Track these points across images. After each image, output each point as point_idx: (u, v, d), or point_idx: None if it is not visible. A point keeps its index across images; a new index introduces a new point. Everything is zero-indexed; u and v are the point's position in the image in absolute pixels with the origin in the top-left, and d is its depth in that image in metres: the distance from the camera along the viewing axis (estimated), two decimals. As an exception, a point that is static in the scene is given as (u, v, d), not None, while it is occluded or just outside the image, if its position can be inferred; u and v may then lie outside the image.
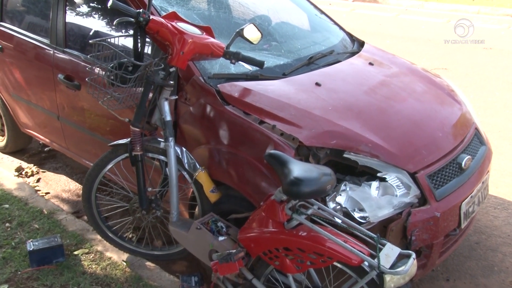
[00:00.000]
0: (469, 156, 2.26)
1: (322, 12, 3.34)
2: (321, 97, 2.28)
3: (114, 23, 2.03)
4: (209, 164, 2.19)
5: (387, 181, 2.02)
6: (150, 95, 2.14)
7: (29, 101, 3.28)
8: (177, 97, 2.24)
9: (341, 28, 3.25)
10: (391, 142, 2.11)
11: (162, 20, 2.02)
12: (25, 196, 3.03)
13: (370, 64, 2.73)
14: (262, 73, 2.37)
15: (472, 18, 9.22)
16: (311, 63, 2.59)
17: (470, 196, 2.21)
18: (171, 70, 2.07)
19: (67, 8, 2.88)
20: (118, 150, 2.26)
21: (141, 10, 1.96)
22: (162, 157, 2.21)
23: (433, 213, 2.02)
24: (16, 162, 3.75)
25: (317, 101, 2.25)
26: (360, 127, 2.13)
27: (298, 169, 1.69)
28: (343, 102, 2.29)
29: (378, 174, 2.01)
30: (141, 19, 1.95)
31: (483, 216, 3.12)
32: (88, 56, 2.12)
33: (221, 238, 2.01)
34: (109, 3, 1.91)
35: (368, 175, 2.07)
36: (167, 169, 2.15)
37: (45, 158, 3.85)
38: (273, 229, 1.80)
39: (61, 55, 2.88)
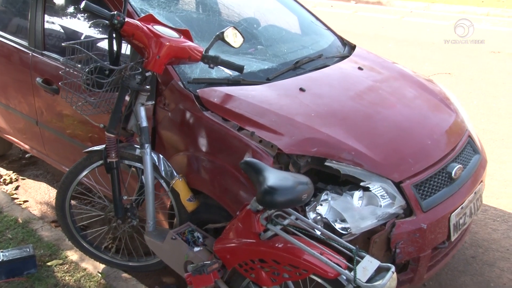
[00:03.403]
0: (460, 165, 2.28)
1: (314, 15, 3.38)
2: (304, 103, 2.31)
3: (88, 25, 2.06)
4: (187, 172, 2.22)
5: (370, 190, 2.04)
6: (128, 99, 2.17)
7: (7, 105, 3.32)
8: (153, 102, 2.27)
9: (332, 31, 3.28)
10: (375, 150, 2.13)
11: (138, 22, 2.05)
12: (0, 204, 3.06)
13: (359, 68, 2.76)
14: (245, 78, 2.40)
15: (481, 20, 9.29)
16: (297, 67, 2.62)
17: (460, 207, 2.22)
18: (147, 74, 2.10)
19: (46, 9, 2.92)
20: (93, 156, 2.29)
21: (115, 13, 1.99)
22: (138, 164, 2.24)
23: (419, 224, 2.04)
24: (-5, 169, 3.80)
25: (300, 107, 2.28)
26: (343, 134, 2.15)
27: (273, 177, 1.71)
28: (327, 108, 2.32)
29: (362, 184, 2.04)
30: (115, 21, 1.98)
31: (481, 228, 3.13)
32: (61, 60, 2.16)
33: (196, 249, 2.02)
34: (82, 5, 1.95)
35: (352, 184, 2.09)
36: (143, 176, 2.18)
37: (25, 165, 3.88)
38: (248, 240, 1.82)
39: (40, 58, 2.92)
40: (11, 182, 3.61)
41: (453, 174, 2.24)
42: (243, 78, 2.39)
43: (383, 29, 8.52)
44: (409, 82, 2.79)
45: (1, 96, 3.35)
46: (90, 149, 2.30)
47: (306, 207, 1.99)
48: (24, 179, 3.68)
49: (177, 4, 2.76)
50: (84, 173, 2.34)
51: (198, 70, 2.40)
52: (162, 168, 2.17)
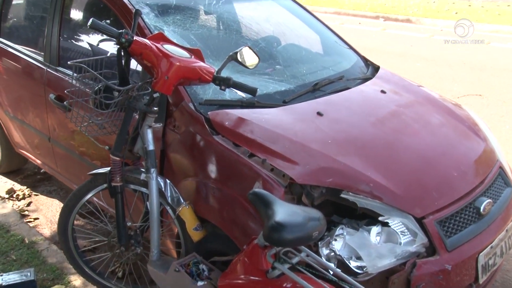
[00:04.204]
0: (489, 200, 2.11)
1: (336, 35, 3.26)
2: (321, 129, 2.19)
3: (96, 43, 2.00)
4: (195, 199, 2.11)
5: (390, 226, 1.89)
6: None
7: (22, 120, 3.30)
8: (161, 125, 2.18)
9: (355, 51, 3.16)
10: (396, 182, 1.99)
11: (147, 41, 1.97)
12: (8, 222, 3.01)
13: (382, 91, 2.62)
14: (260, 100, 2.30)
15: (515, 40, 9.01)
16: (316, 89, 2.50)
17: (490, 247, 2.05)
18: (155, 95, 2.01)
19: (63, 25, 2.89)
20: (97, 179, 2.21)
21: (123, 31, 1.92)
22: (144, 189, 2.14)
23: (443, 265, 1.88)
24: (9, 184, 3.77)
25: (316, 132, 2.16)
26: (361, 164, 2.01)
27: (281, 212, 1.58)
28: (345, 135, 2.19)
29: (380, 218, 1.89)
30: (123, 40, 1.90)
31: (514, 266, 2.93)
32: (67, 78, 2.09)
33: (200, 283, 1.90)
34: (89, 23, 1.88)
35: (370, 218, 1.95)
36: (148, 202, 2.08)
37: (40, 180, 3.85)
38: (254, 278, 1.70)
39: (54, 74, 2.88)
40: (24, 198, 3.58)
41: (481, 210, 2.07)
42: (257, 100, 2.28)
43: (412, 48, 8.32)
44: (435, 107, 2.63)
45: (16, 111, 3.34)
46: (95, 171, 2.22)
47: (319, 242, 1.86)
48: (37, 195, 3.64)
49: (193, 22, 2.68)
50: (88, 196, 2.26)
51: (210, 91, 2.30)
52: (169, 194, 2.07)
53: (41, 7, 3.16)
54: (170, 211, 2.12)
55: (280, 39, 3.10)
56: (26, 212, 3.36)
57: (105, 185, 2.17)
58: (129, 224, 2.20)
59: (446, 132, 2.43)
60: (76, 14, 2.94)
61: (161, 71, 1.94)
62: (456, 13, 11.24)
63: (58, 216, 2.31)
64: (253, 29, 3.04)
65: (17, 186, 3.73)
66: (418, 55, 7.79)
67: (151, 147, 2.04)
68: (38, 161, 3.40)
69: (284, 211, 1.60)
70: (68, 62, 2.02)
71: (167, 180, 2.11)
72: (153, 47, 1.95)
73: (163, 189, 2.07)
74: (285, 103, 2.35)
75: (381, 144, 2.19)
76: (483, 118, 2.79)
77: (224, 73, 2.37)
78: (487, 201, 2.09)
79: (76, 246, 2.38)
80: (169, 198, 2.07)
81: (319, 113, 2.27)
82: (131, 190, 2.21)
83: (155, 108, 2.04)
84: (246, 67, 2.20)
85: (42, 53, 2.99)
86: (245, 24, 3.05)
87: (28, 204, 3.49)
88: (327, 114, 2.29)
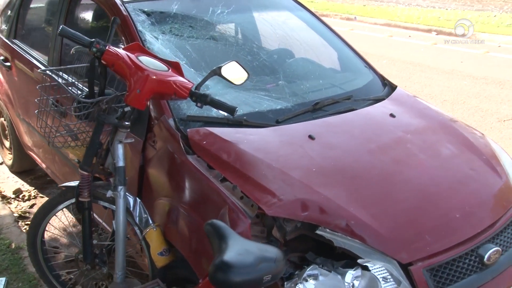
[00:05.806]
0: (497, 248, 1.85)
1: (355, 51, 3.04)
2: (309, 154, 2.01)
3: (71, 51, 1.93)
4: (165, 221, 1.98)
5: (370, 270, 1.69)
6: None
7: (29, 122, 3.30)
8: (133, 140, 2.07)
9: (373, 69, 2.93)
10: (383, 221, 1.78)
11: (120, 51, 1.87)
12: (1, 225, 3.00)
13: (391, 115, 2.39)
14: (249, 118, 2.15)
15: None
16: (316, 109, 2.32)
17: (493, 304, 1.81)
18: (125, 109, 1.91)
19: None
20: (67, 192, 2.12)
21: (94, 40, 1.83)
22: (113, 207, 2.04)
23: (429, 323, 1.66)
24: (20, 183, 3.80)
25: (302, 158, 1.98)
26: (346, 198, 1.82)
27: (232, 249, 1.43)
28: (335, 163, 2.00)
29: (359, 261, 1.69)
30: (94, 49, 1.82)
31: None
32: (37, 87, 2.03)
33: (155, 314, 1.78)
34: (59, 31, 1.81)
35: (349, 259, 1.75)
36: (114, 221, 1.98)
37: (48, 182, 3.84)
38: (205, 318, 1.55)
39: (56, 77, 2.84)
40: (29, 199, 3.59)
41: (485, 259, 1.82)
42: (245, 119, 2.13)
43: (462, 64, 7.86)
44: (450, 135, 2.37)
45: (24, 113, 3.35)
46: (65, 184, 2.14)
47: (286, 283, 1.68)
48: (43, 197, 3.64)
49: (192, 31, 2.56)
50: (59, 208, 2.19)
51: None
52: (137, 214, 1.96)
53: (51, 11, 3.16)
54: (138, 231, 2.00)
55: (293, 53, 2.94)
56: (27, 214, 3.36)
57: (73, 199, 2.08)
58: (95, 242, 2.10)
59: (456, 165, 2.18)
60: (79, 19, 2.90)
61: (133, 84, 1.84)
62: (519, 28, 10.59)
63: (27, 229, 2.25)
64: (263, 41, 2.90)
65: (26, 187, 3.75)
66: (467, 72, 7.34)
67: (120, 163, 1.94)
68: (43, 164, 3.39)
69: (235, 249, 1.43)
70: (38, 70, 1.95)
71: (137, 198, 2.01)
72: (126, 58, 1.85)
73: (131, 208, 1.96)
74: (278, 123, 2.18)
75: (375, 175, 1.98)
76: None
77: (216, 88, 2.25)
78: (494, 248, 1.84)
79: (46, 260, 2.31)
80: (137, 218, 1.96)
81: (310, 137, 2.09)
82: (100, 206, 2.12)
83: (127, 123, 1.93)
84: (231, 83, 2.06)
85: (47, 56, 2.97)
86: (255, 35, 2.91)
87: (31, 206, 3.49)
88: (320, 138, 2.10)
